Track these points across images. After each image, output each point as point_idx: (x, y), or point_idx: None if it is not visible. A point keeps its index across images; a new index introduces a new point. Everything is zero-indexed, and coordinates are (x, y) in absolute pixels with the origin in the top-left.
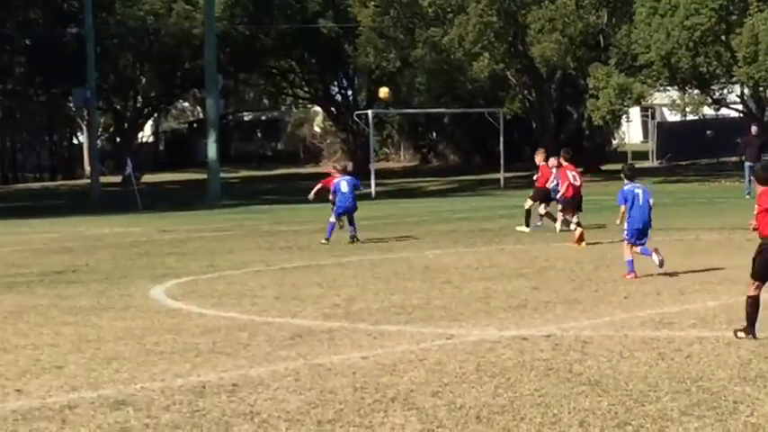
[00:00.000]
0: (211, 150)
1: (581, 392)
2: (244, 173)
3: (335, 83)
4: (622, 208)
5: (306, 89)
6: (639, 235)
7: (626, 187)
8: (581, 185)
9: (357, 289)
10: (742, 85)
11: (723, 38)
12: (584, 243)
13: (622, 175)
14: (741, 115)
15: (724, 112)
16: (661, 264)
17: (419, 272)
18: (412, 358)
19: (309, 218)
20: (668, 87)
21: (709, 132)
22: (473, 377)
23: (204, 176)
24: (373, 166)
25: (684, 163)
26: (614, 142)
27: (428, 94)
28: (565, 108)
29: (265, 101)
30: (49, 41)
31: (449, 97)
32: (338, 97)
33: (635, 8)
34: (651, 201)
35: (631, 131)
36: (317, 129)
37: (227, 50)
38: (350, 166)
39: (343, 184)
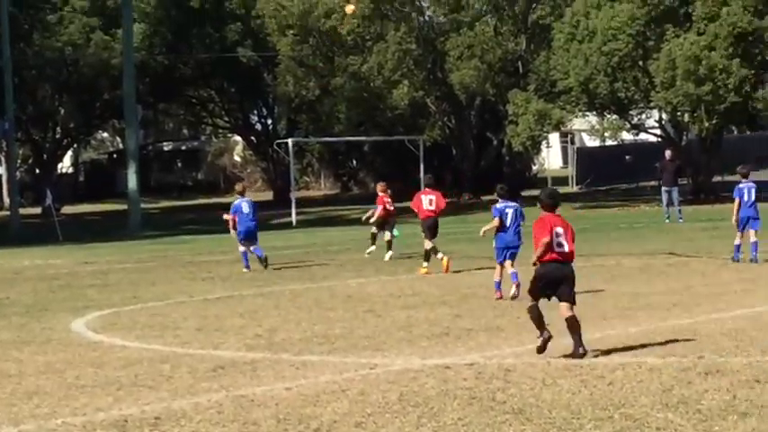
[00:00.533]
0: (132, 181)
1: (504, 421)
2: (164, 203)
3: (255, 112)
4: (495, 221)
5: (225, 118)
6: (507, 254)
7: (499, 204)
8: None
9: (279, 319)
10: (660, 110)
11: (641, 63)
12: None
13: (496, 194)
14: (659, 140)
15: (643, 136)
16: (513, 297)
17: (342, 301)
18: (335, 389)
19: (231, 248)
20: (587, 113)
21: (628, 157)
22: (396, 407)
23: (125, 207)
24: (294, 195)
25: (604, 188)
26: (534, 168)
27: (348, 122)
28: (485, 134)
29: (185, 131)
30: None
31: (369, 125)
32: (258, 126)
33: (553, 34)
34: (521, 221)
35: (551, 157)
36: (237, 158)
37: (146, 80)
38: (271, 194)
39: (245, 205)
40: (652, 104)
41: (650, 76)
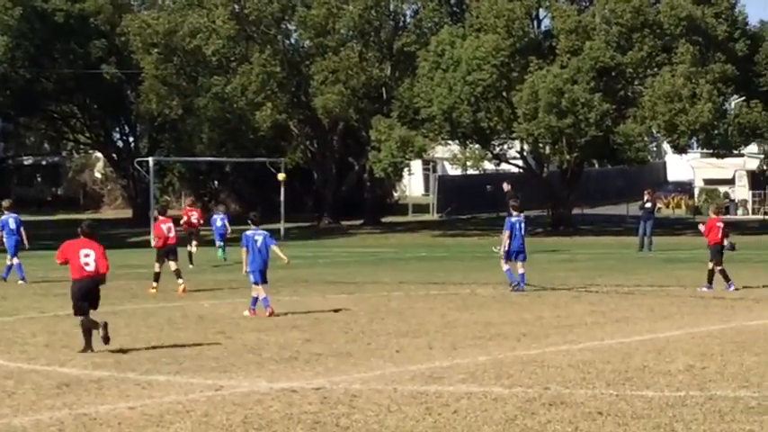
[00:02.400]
0: None
1: None
2: (24, 217)
3: (117, 129)
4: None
5: (87, 134)
6: (260, 276)
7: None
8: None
9: (129, 338)
10: (522, 141)
11: (504, 94)
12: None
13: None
14: (521, 170)
15: (504, 167)
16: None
17: (193, 321)
18: (179, 409)
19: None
20: (449, 141)
21: (489, 187)
22: (239, 429)
23: None
24: (153, 214)
25: (465, 216)
26: (396, 195)
27: (210, 142)
28: (346, 159)
29: (46, 145)
30: None
31: (231, 146)
32: (119, 143)
33: (418, 62)
34: (272, 245)
35: (413, 184)
36: (98, 174)
37: (6, 93)
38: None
39: (11, 221)
40: (514, 135)
41: (513, 107)
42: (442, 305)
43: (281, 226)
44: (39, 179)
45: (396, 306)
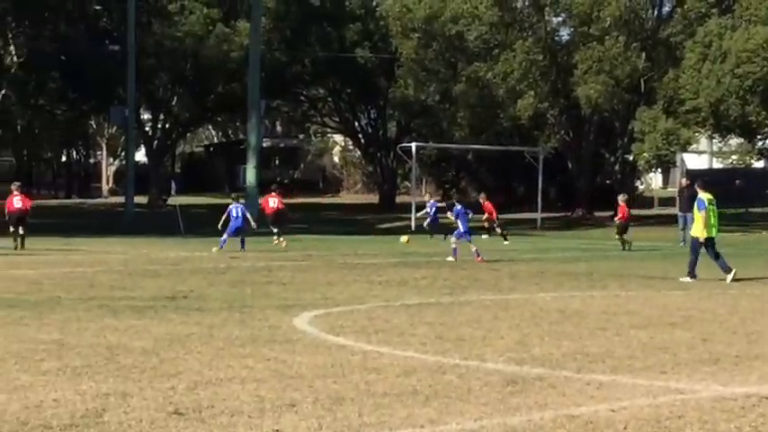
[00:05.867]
0: (250, 175)
1: None
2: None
3: (366, 114)
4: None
5: (336, 119)
6: None
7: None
8: None
9: (517, 333)
10: None
11: None
12: None
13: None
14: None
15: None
16: None
17: (560, 316)
18: (669, 414)
19: (369, 250)
20: (714, 135)
21: (738, 182)
22: None
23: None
24: (414, 199)
25: None
26: (640, 188)
27: (470, 129)
28: (599, 151)
29: (279, 128)
30: (85, 58)
31: (489, 133)
32: (368, 129)
33: (684, 53)
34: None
35: (656, 177)
36: (336, 159)
37: (261, 75)
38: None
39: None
40: None
41: None
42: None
43: (538, 216)
44: (276, 162)
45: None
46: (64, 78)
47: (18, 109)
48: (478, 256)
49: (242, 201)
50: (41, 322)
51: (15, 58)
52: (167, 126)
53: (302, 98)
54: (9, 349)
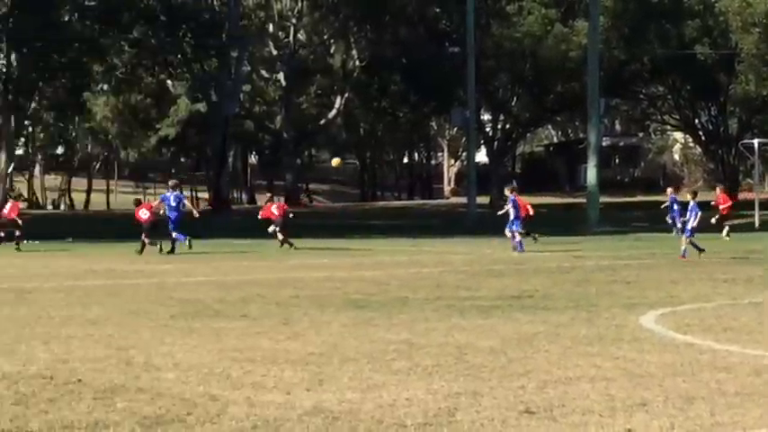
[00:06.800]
0: (591, 175)
1: None
2: (603, 199)
3: (706, 111)
4: None
5: (675, 116)
6: None
7: None
8: None
9: None
10: None
11: None
12: None
13: None
14: None
15: None
16: None
17: None
18: None
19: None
20: None
21: None
22: None
23: (563, 201)
24: (758, 196)
25: None
26: None
27: None
28: None
29: (617, 126)
30: (425, 61)
31: None
32: (709, 126)
33: None
34: None
35: None
36: (676, 157)
37: (600, 74)
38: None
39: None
40: None
41: None
42: None
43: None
44: (616, 160)
45: None
46: (405, 81)
47: (361, 112)
48: None
49: None
50: (390, 323)
51: (358, 63)
52: (507, 126)
53: (641, 96)
54: (361, 350)
